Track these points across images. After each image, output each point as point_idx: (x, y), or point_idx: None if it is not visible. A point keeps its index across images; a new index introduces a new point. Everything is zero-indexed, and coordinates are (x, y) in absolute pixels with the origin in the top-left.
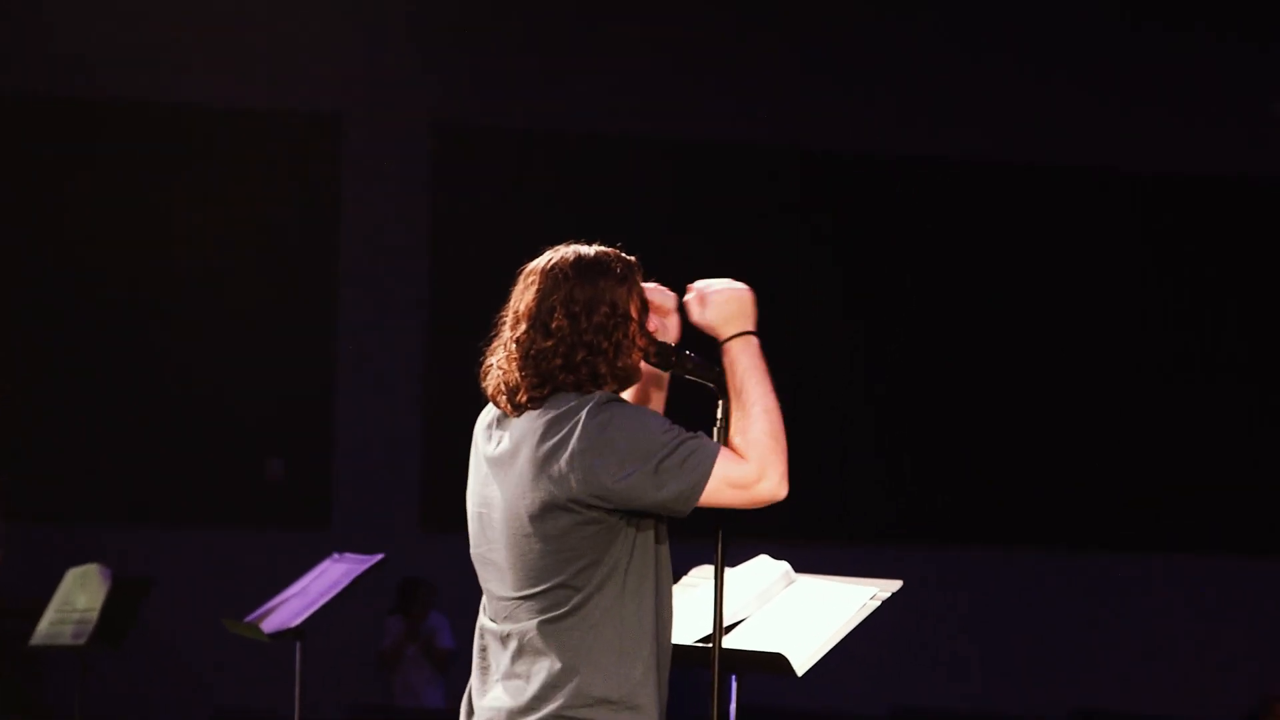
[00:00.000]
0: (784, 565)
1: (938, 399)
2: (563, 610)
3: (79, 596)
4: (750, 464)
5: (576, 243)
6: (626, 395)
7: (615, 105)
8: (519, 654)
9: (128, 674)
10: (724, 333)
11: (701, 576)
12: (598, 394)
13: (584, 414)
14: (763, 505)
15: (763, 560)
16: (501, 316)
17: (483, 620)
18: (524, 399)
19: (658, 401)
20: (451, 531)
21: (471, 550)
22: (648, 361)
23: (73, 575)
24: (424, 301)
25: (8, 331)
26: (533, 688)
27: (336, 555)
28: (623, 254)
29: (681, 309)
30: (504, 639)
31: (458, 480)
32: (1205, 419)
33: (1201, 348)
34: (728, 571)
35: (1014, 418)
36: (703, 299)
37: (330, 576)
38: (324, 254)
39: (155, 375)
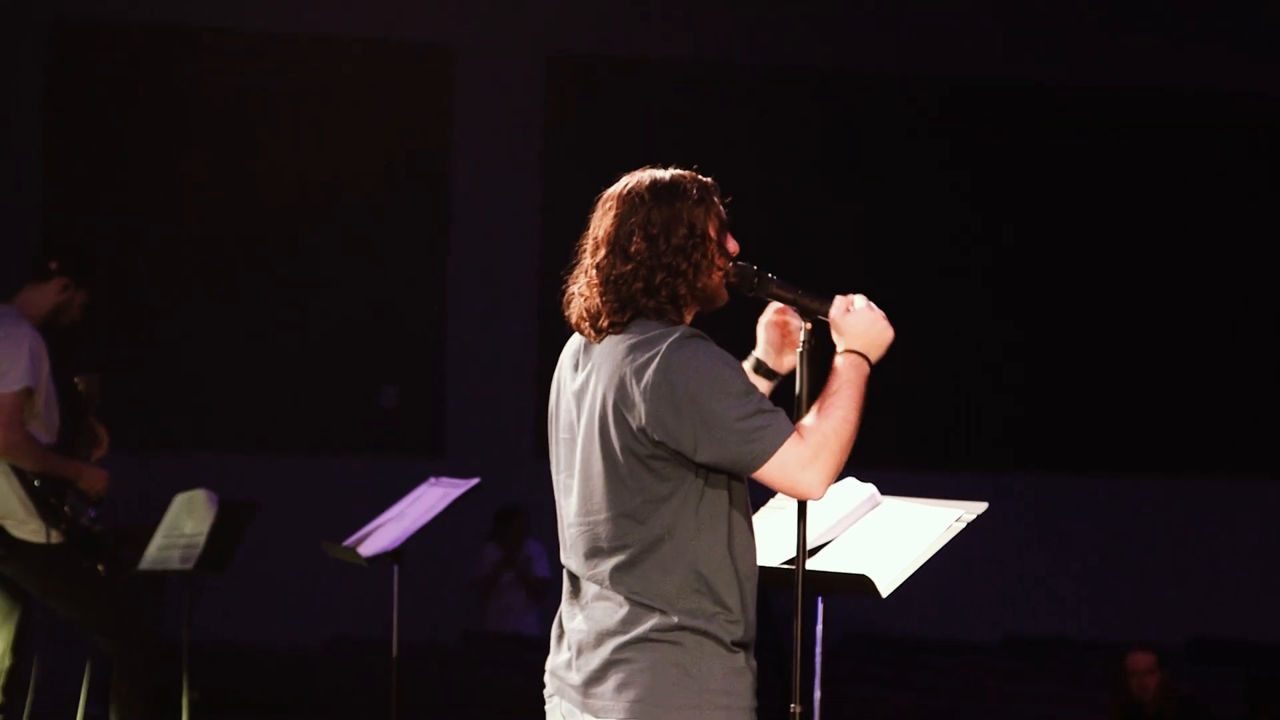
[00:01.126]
0: (870, 488)
1: (1040, 326)
2: (640, 541)
3: (186, 521)
4: (806, 449)
5: (654, 167)
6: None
7: (728, 32)
8: (603, 582)
9: (236, 598)
10: (848, 344)
11: (787, 499)
12: (682, 328)
13: (665, 346)
14: (793, 495)
15: (849, 483)
16: (581, 244)
17: (563, 554)
18: (605, 324)
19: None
20: None
21: (554, 478)
22: (728, 282)
23: (180, 500)
24: (537, 230)
25: (121, 261)
26: (621, 613)
27: (433, 479)
28: (699, 175)
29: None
30: (587, 567)
31: None
32: None
33: None
34: None
35: (1121, 346)
36: (850, 307)
37: (427, 501)
38: (436, 183)
39: (269, 303)
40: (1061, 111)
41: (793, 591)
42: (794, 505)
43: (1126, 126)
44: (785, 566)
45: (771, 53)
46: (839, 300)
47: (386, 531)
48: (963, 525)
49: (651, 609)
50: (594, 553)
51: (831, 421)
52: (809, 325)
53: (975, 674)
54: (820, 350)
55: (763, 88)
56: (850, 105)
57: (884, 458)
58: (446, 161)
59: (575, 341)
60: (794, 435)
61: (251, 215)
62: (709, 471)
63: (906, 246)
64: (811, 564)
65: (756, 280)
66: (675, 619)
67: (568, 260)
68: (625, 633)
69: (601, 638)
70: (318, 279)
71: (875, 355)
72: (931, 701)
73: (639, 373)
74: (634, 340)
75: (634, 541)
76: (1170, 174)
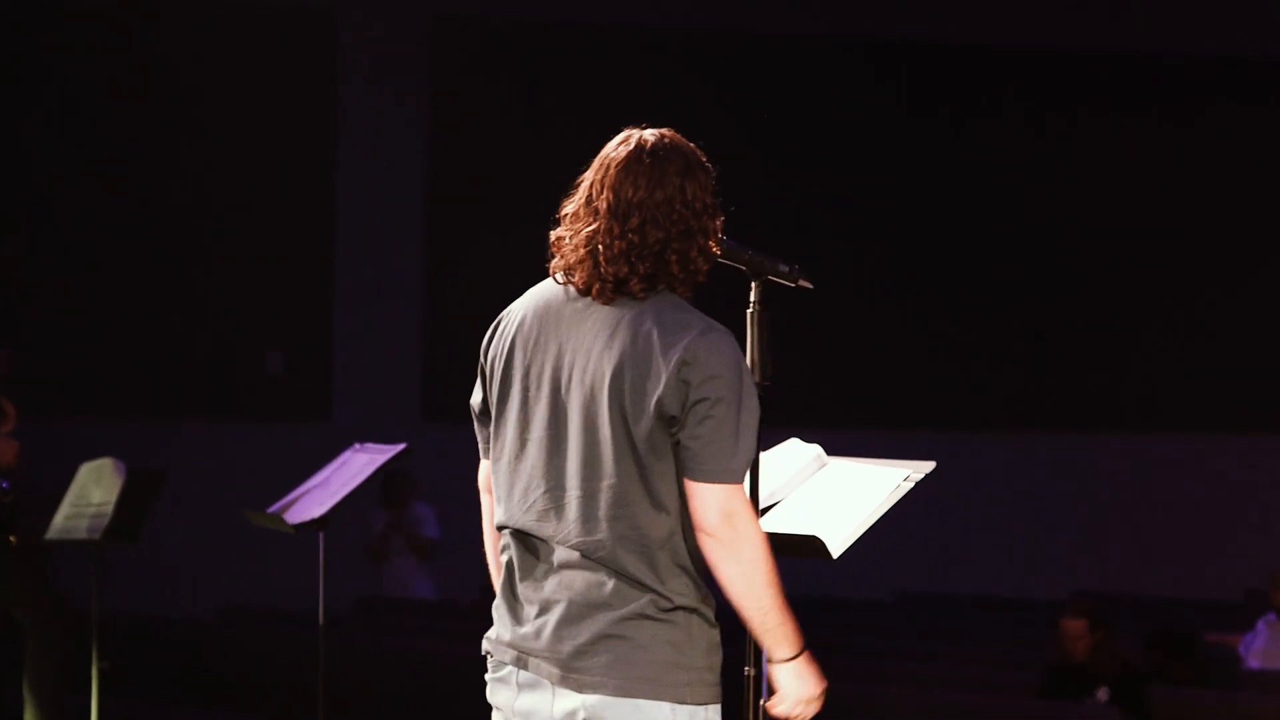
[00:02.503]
0: (816, 448)
1: (964, 286)
2: (642, 513)
3: (94, 491)
4: (738, 506)
5: (643, 129)
6: None
7: None
8: (586, 551)
9: (142, 567)
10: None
11: None
12: (709, 320)
13: (706, 329)
14: (696, 521)
15: (794, 443)
16: (584, 198)
17: (518, 515)
18: (636, 288)
19: None
20: (454, 421)
21: (494, 430)
22: None
23: (86, 469)
24: (423, 194)
25: (20, 230)
26: (610, 585)
27: (358, 445)
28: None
29: None
30: (564, 529)
31: (460, 370)
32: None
33: None
34: (761, 454)
35: (1049, 304)
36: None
37: (352, 467)
38: (320, 146)
39: (158, 270)
40: (1041, 75)
41: None
42: None
43: (1102, 85)
44: None
45: (663, 12)
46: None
47: (312, 498)
48: (911, 485)
49: (644, 584)
50: (582, 519)
51: (769, 592)
52: (758, 284)
53: (873, 631)
54: (769, 309)
55: (654, 48)
56: (742, 65)
57: (830, 419)
58: (330, 124)
59: (545, 293)
60: (738, 488)
61: (137, 181)
62: None
63: (850, 206)
64: (761, 525)
65: None
66: (671, 596)
67: (453, 223)
68: (619, 607)
69: (589, 610)
70: (205, 246)
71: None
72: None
73: (672, 349)
74: (665, 314)
75: (634, 513)
76: (1150, 132)
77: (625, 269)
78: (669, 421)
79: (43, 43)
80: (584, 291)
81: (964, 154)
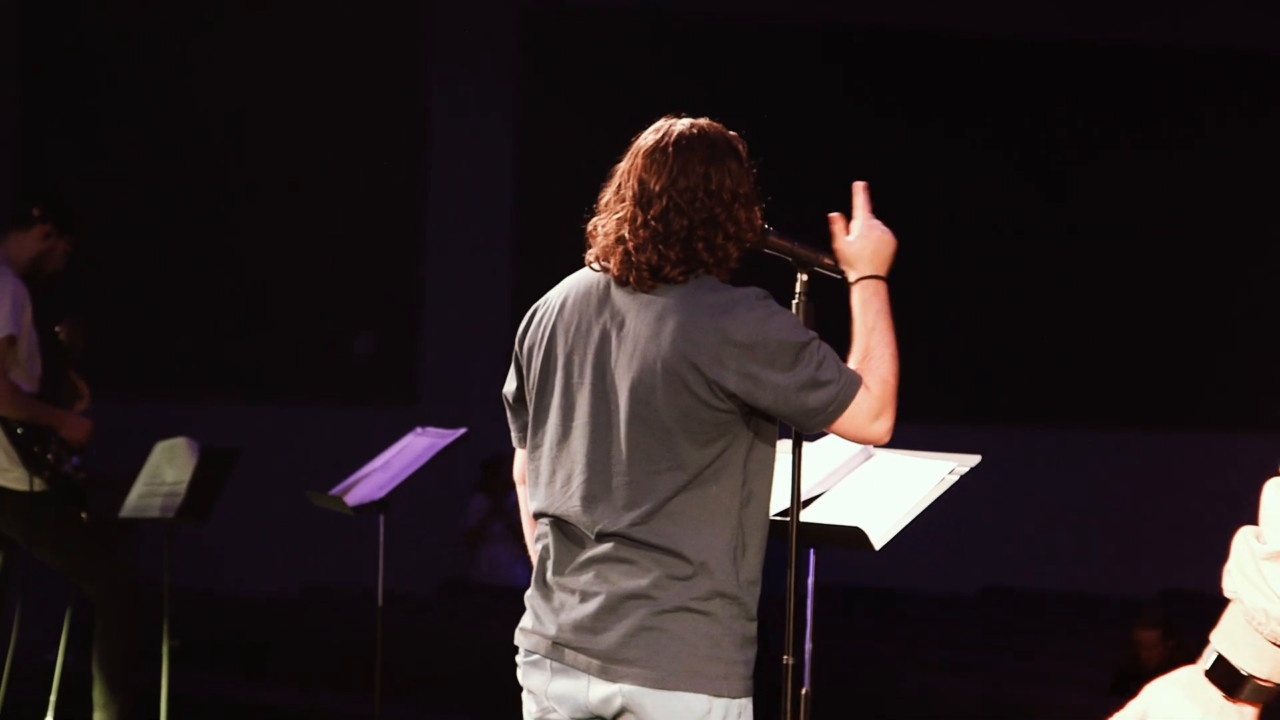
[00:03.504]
0: None
1: (1023, 282)
2: (687, 498)
3: (167, 469)
4: (874, 399)
5: (678, 118)
6: None
7: None
8: (628, 539)
9: (216, 546)
10: (863, 270)
11: (780, 450)
12: (753, 288)
13: (748, 301)
14: (864, 442)
15: None
16: (616, 186)
17: (559, 502)
18: (672, 273)
19: None
20: None
21: (536, 420)
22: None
23: (161, 448)
24: (513, 179)
25: (99, 208)
26: (651, 575)
27: (419, 429)
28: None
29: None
30: (604, 520)
31: None
32: None
33: None
34: (806, 446)
35: (1108, 302)
36: (850, 229)
37: (413, 450)
38: (411, 130)
39: (245, 251)
40: (1045, 63)
41: (785, 543)
42: (787, 457)
43: (1107, 75)
44: (778, 518)
45: (756, 5)
46: (834, 220)
47: (373, 480)
48: (956, 478)
49: (685, 576)
50: (626, 506)
51: (885, 363)
52: (805, 276)
53: (954, 626)
54: (818, 300)
55: (744, 39)
56: (832, 58)
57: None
58: (423, 107)
59: (584, 281)
60: (862, 387)
61: (227, 162)
62: (757, 434)
63: (912, 201)
64: (804, 516)
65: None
66: (710, 585)
67: (544, 208)
68: (659, 598)
69: (628, 601)
70: (295, 227)
71: (887, 269)
72: (913, 653)
73: (723, 326)
74: (707, 295)
75: (683, 501)
76: (1164, 124)
77: (655, 256)
78: (729, 398)
79: (125, 18)
80: (621, 279)
81: (979, 147)
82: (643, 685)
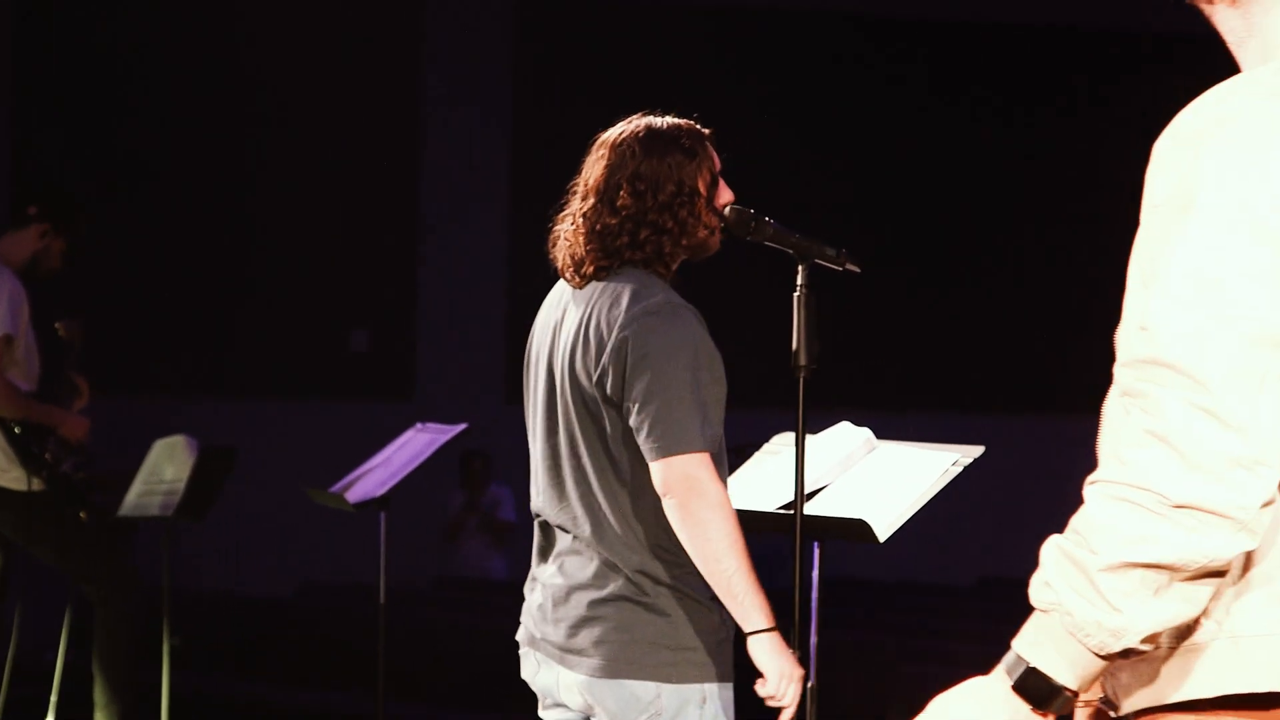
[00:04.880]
0: (865, 432)
1: (1016, 270)
2: (607, 491)
3: (166, 468)
4: (711, 481)
5: (651, 114)
6: None
7: None
8: (573, 532)
9: (215, 544)
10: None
11: (783, 444)
12: (669, 293)
13: (646, 306)
14: (663, 491)
15: (844, 427)
16: (573, 186)
17: (538, 503)
18: (590, 270)
19: None
20: None
21: (528, 424)
22: (726, 229)
23: (160, 446)
24: (507, 175)
25: (94, 206)
26: (591, 567)
27: (420, 425)
28: (696, 126)
29: None
30: (563, 515)
31: None
32: None
33: None
34: (809, 438)
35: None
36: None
37: (414, 447)
38: (405, 125)
39: (241, 248)
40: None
41: (789, 536)
42: (790, 450)
43: (1121, 64)
44: (782, 511)
45: None
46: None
47: (373, 477)
48: (959, 469)
49: (621, 567)
50: (574, 503)
51: (731, 559)
52: (804, 267)
53: (951, 616)
54: (815, 292)
55: (739, 28)
56: (824, 46)
57: (881, 401)
58: (416, 103)
59: (560, 285)
60: (706, 455)
61: (220, 158)
62: None
63: (902, 190)
64: (808, 508)
65: (754, 224)
66: (654, 577)
67: (537, 205)
68: (598, 588)
69: (572, 592)
70: (289, 224)
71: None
72: (909, 644)
73: (614, 325)
74: (617, 292)
75: (611, 496)
76: (1121, 112)
77: (580, 251)
78: (612, 403)
79: (125, 17)
80: (563, 276)
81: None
82: (591, 675)
